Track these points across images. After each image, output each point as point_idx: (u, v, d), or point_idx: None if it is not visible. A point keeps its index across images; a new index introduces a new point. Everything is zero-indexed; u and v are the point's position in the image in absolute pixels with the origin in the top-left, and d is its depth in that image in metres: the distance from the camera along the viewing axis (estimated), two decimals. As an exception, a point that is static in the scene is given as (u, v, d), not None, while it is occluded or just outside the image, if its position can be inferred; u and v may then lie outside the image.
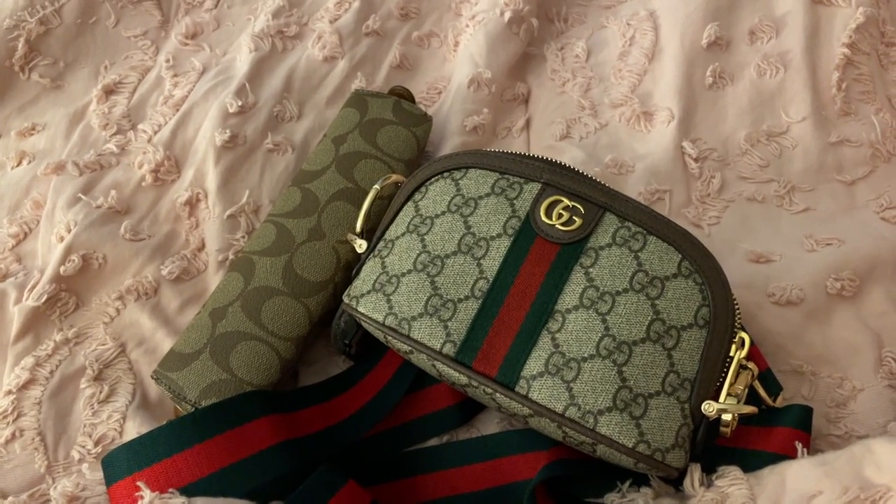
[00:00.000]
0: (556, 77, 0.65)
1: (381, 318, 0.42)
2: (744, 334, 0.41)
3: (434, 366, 0.42)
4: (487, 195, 0.44)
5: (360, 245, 0.48)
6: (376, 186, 0.49)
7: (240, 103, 0.60)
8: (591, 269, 0.41)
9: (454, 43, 0.68)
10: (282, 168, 0.59)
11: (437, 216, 0.44)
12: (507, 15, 0.64)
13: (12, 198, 0.59)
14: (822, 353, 0.49)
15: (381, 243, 0.46)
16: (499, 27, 0.64)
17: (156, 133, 0.62)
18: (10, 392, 0.49)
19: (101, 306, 0.54)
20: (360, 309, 0.43)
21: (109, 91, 0.65)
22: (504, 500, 0.45)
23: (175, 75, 0.66)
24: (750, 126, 0.60)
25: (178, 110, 0.62)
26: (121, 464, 0.41)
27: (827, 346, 0.49)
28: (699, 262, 0.40)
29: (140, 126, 0.62)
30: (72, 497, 0.45)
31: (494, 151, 0.45)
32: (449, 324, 0.41)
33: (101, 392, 0.50)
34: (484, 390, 0.41)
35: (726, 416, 0.40)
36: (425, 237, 0.44)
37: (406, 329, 0.42)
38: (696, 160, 0.58)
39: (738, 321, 0.41)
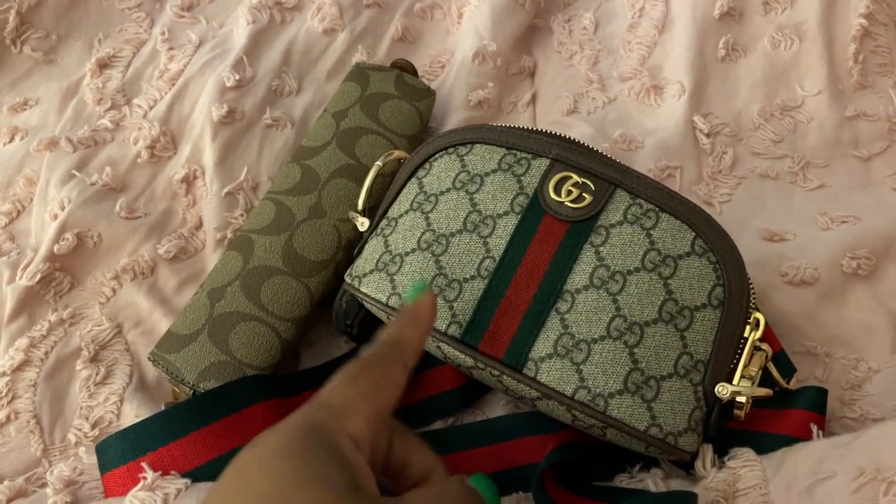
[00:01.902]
0: (563, 50, 0.63)
1: (384, 299, 0.41)
2: (758, 315, 0.39)
3: (439, 347, 0.41)
4: (494, 171, 0.42)
5: (362, 223, 0.46)
6: (378, 163, 0.47)
7: (237, 77, 0.58)
8: (601, 248, 0.39)
9: (458, 15, 0.66)
10: (281, 144, 0.58)
11: (441, 193, 0.43)
12: (513, -15, 0.62)
13: (5, 175, 0.58)
14: (837, 334, 0.48)
15: (384, 221, 0.44)
16: (504, -2, 0.62)
17: (151, 108, 0.60)
18: (3, 374, 0.48)
19: (97, 286, 0.53)
20: (363, 289, 0.42)
21: (103, 65, 0.63)
22: (510, 484, 0.44)
23: (171, 48, 0.64)
24: (763, 100, 0.58)
25: (173, 84, 0.61)
26: (115, 452, 0.40)
27: (842, 327, 0.48)
28: (713, 240, 0.39)
29: (135, 101, 0.61)
30: (69, 481, 0.44)
31: (501, 126, 0.44)
32: (454, 304, 0.40)
33: (97, 374, 0.49)
34: (491, 372, 0.40)
35: (740, 399, 0.39)
36: (430, 215, 0.42)
37: None
38: (707, 135, 0.56)
39: (753, 301, 0.40)
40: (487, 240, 0.41)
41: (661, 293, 0.38)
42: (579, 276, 0.39)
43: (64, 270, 0.52)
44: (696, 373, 0.38)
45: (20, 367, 0.49)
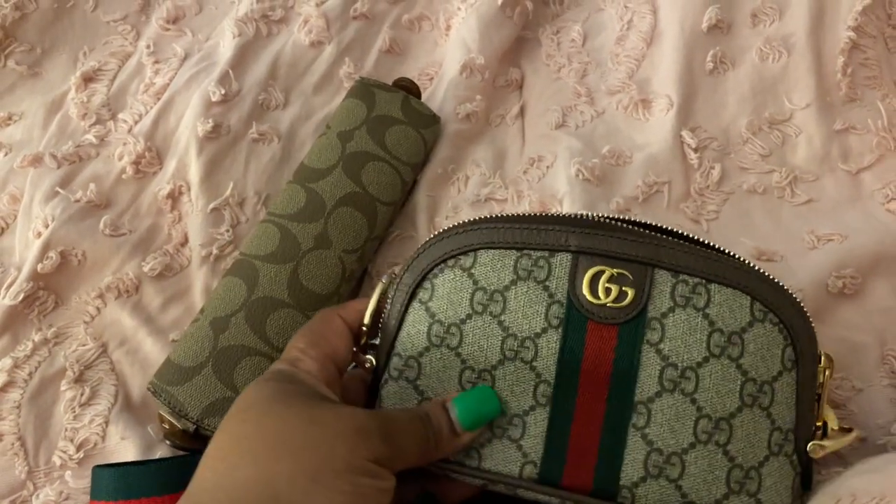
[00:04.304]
0: (551, 62, 0.63)
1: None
2: (825, 353, 0.37)
3: (516, 493, 0.37)
4: (513, 283, 0.37)
5: (368, 361, 0.39)
6: (383, 281, 0.40)
7: (223, 91, 0.58)
8: (661, 346, 0.36)
9: (445, 27, 0.65)
10: (267, 158, 0.57)
11: (462, 322, 0.37)
12: (501, -3, 0.62)
13: (-12, 192, 0.58)
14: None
15: (398, 360, 0.38)
16: (492, 10, 0.62)
17: (136, 123, 0.60)
18: (-13, 396, 0.48)
19: (81, 305, 0.52)
20: None
21: (88, 79, 0.63)
22: None
23: (156, 62, 0.63)
24: (751, 113, 0.57)
25: (159, 99, 0.60)
26: (108, 485, 0.40)
27: (827, 346, 0.47)
28: (769, 297, 0.36)
29: (120, 115, 0.60)
30: (54, 506, 0.44)
31: (499, 219, 0.38)
32: (522, 442, 0.36)
33: (82, 395, 0.49)
34: None
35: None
36: (460, 350, 0.37)
37: (475, 460, 0.36)
38: (695, 150, 0.56)
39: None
40: (534, 363, 0.36)
41: (737, 377, 0.35)
42: (647, 382, 0.35)
43: (48, 289, 0.52)
44: (788, 444, 0.36)
45: (4, 389, 0.49)
